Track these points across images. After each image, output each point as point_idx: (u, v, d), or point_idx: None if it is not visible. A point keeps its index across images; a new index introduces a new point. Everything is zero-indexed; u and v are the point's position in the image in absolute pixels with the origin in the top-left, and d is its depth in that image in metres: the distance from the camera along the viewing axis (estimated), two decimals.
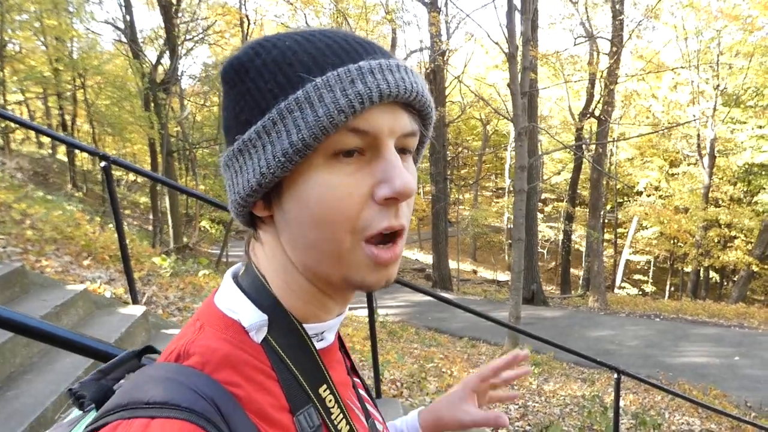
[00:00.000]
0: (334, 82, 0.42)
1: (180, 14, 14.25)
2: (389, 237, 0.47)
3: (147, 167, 17.75)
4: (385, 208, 0.45)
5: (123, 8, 13.57)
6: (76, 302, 2.85)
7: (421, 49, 18.07)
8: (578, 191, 21.45)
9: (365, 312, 3.49)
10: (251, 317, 0.48)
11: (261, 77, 0.44)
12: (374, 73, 0.43)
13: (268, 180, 0.44)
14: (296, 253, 0.48)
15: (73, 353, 1.44)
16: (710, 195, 19.82)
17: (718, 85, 18.67)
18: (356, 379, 0.64)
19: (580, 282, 20.44)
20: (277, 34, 0.47)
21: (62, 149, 20.16)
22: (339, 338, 0.61)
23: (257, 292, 0.49)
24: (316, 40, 0.45)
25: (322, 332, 0.53)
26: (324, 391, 0.49)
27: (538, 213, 19.42)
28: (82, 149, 3.92)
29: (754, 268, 16.95)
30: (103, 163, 2.94)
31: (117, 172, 17.52)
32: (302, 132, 0.42)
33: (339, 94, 0.41)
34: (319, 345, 0.52)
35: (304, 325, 0.50)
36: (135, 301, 3.23)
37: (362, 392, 0.64)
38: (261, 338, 0.47)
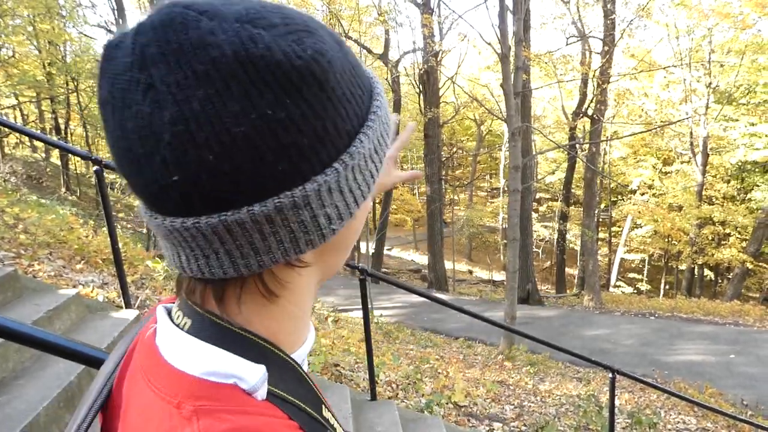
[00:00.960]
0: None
1: None
2: None
3: None
4: None
5: (115, 12, 13.52)
6: (68, 307, 2.83)
7: (414, 50, 18.10)
8: (572, 190, 21.55)
9: (360, 313, 3.49)
10: (251, 375, 0.39)
11: (347, 82, 0.40)
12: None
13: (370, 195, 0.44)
14: (339, 259, 0.48)
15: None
16: (704, 193, 19.93)
17: (710, 83, 18.79)
18: None
19: (575, 281, 20.54)
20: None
21: (56, 153, 20.07)
22: None
23: (240, 341, 0.41)
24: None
25: (305, 354, 0.51)
26: (325, 412, 0.48)
27: (533, 212, 19.47)
28: (74, 153, 3.90)
29: (749, 266, 17.05)
30: (95, 167, 2.93)
31: (111, 176, 17.45)
32: (389, 142, 0.44)
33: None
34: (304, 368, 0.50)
35: (292, 355, 0.46)
36: (128, 305, 3.22)
37: None
38: (265, 394, 0.40)
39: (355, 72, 0.41)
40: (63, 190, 16.54)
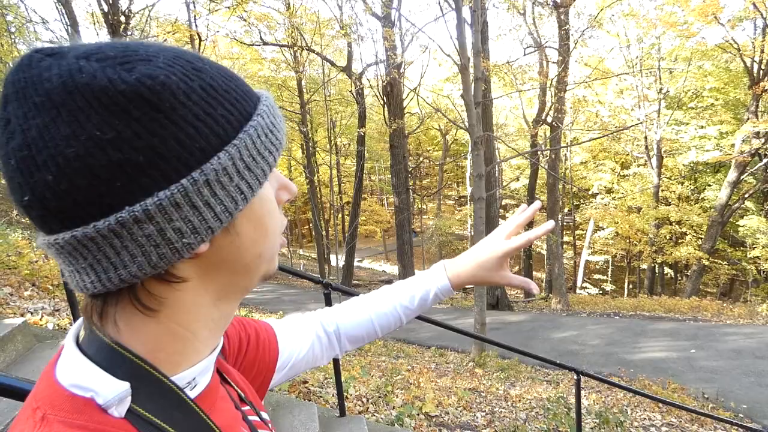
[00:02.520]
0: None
1: (129, 32, 13.92)
2: None
3: None
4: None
5: (68, 27, 13.12)
6: (14, 337, 2.68)
7: (377, 63, 18.23)
8: (536, 196, 22.00)
9: None
10: (108, 391, 0.41)
11: (197, 103, 0.41)
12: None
13: (240, 210, 0.45)
14: (232, 283, 0.48)
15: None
16: (660, 194, 20.67)
17: (661, 89, 19.62)
18: (245, 408, 0.61)
19: (543, 285, 20.88)
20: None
21: None
22: (218, 371, 0.58)
23: (112, 356, 0.43)
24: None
25: (193, 378, 0.49)
26: None
27: (500, 219, 19.77)
28: None
29: (705, 263, 17.73)
30: None
31: None
32: (274, 154, 0.47)
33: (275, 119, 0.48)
34: (193, 393, 0.49)
35: (174, 378, 0.46)
36: None
37: (254, 418, 0.61)
38: (124, 411, 0.41)
39: (216, 94, 0.42)
40: (15, 212, 15.85)
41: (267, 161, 0.46)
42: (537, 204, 0.87)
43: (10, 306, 3.32)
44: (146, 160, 0.38)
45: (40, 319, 3.23)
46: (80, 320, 0.48)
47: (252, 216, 0.46)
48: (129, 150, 0.37)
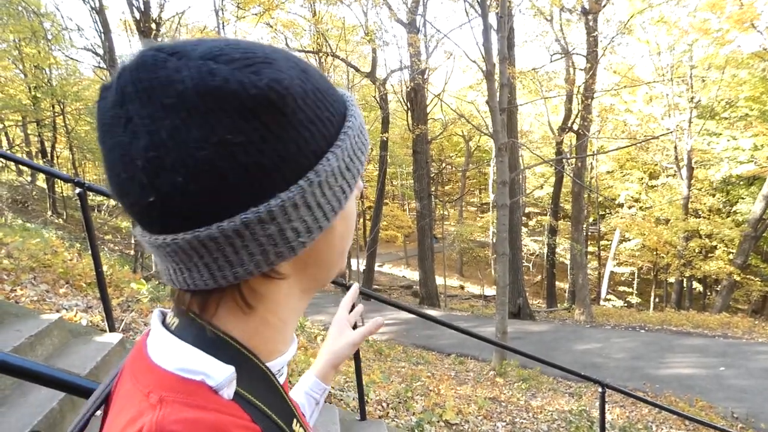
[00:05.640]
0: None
1: (159, 39, 14.29)
2: None
3: None
4: None
5: (102, 35, 13.52)
6: (51, 332, 2.79)
7: (401, 68, 18.31)
8: (560, 204, 21.73)
9: None
10: (218, 373, 0.42)
11: (311, 106, 0.43)
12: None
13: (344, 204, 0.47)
14: (324, 271, 0.51)
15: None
16: (690, 206, 20.12)
17: (693, 98, 19.13)
18: None
19: (566, 295, 20.57)
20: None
21: (42, 176, 19.91)
22: None
23: (214, 343, 0.45)
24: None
25: (282, 367, 0.52)
26: (296, 425, 0.49)
27: (522, 227, 19.58)
28: (56, 176, 3.88)
29: (736, 278, 17.16)
30: (77, 190, 2.91)
31: (98, 198, 17.30)
32: (365, 154, 0.49)
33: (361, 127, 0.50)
34: (281, 380, 0.52)
35: (267, 364, 0.49)
36: (112, 329, 3.18)
37: None
38: (232, 394, 0.42)
39: (322, 96, 0.44)
40: (49, 213, 16.35)
41: (360, 161, 0.48)
42: (355, 286, 0.99)
43: (47, 302, 3.44)
44: (270, 162, 0.39)
45: (75, 316, 3.33)
46: (157, 310, 0.51)
47: (344, 214, 0.48)
48: (256, 153, 0.39)
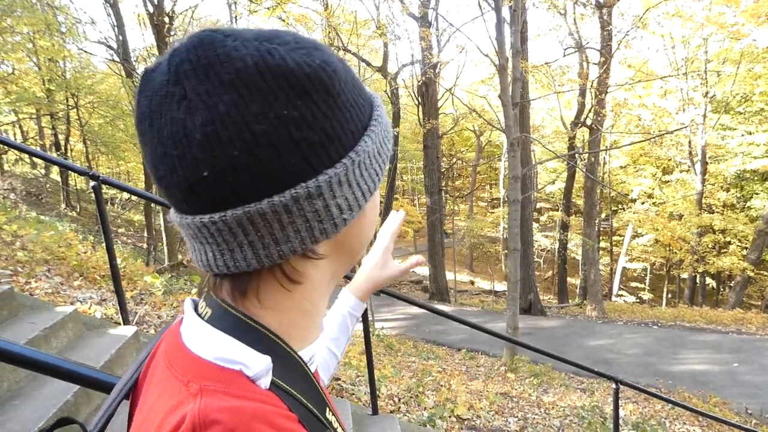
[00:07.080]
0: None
1: (172, 33, 14.32)
2: None
3: (141, 185, 17.72)
4: None
5: (115, 28, 13.60)
6: (65, 324, 2.80)
7: (412, 63, 18.22)
8: (572, 200, 21.52)
9: (360, 326, 3.45)
10: (256, 363, 0.42)
11: (350, 91, 0.46)
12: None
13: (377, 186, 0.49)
14: (351, 258, 0.52)
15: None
16: (704, 201, 19.90)
17: (707, 92, 18.85)
18: None
19: (578, 291, 20.42)
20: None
21: (56, 169, 20.14)
22: None
23: (249, 332, 0.45)
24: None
25: (314, 355, 0.53)
26: (329, 413, 0.49)
27: (534, 222, 19.44)
28: (71, 169, 3.89)
29: (750, 274, 16.97)
30: (92, 183, 2.92)
31: (111, 191, 17.47)
32: (391, 140, 0.51)
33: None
34: (311, 369, 0.52)
35: (299, 353, 0.49)
36: (126, 322, 3.19)
37: None
38: (269, 383, 0.43)
39: (356, 84, 0.47)
40: (63, 206, 16.54)
41: (388, 146, 0.50)
42: (402, 213, 0.96)
43: (61, 295, 3.46)
44: (319, 139, 0.41)
45: (89, 308, 3.36)
46: (189, 299, 0.52)
47: (373, 198, 0.50)
48: (307, 129, 0.41)
